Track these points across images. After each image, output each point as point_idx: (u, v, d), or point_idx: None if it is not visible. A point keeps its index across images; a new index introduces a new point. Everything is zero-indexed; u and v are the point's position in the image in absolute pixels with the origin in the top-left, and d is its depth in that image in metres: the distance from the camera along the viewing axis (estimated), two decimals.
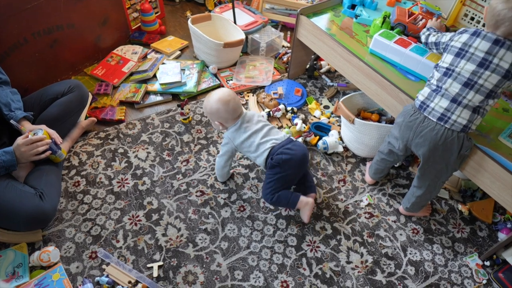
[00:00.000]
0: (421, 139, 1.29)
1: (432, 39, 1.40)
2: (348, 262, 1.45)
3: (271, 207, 1.58)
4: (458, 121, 1.21)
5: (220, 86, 2.13)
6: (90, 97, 1.92)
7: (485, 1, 1.71)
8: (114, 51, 2.21)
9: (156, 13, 2.50)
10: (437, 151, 1.28)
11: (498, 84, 1.16)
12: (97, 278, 1.31)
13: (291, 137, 1.52)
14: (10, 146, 1.36)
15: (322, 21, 1.84)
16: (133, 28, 2.40)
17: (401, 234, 1.55)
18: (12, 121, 1.40)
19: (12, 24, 1.64)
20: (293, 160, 1.42)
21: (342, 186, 1.69)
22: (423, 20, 1.68)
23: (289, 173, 1.45)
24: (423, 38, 1.47)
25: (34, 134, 1.39)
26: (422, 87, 1.49)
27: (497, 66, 1.14)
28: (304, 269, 1.41)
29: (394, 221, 1.58)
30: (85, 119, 1.82)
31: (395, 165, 1.78)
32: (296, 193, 1.48)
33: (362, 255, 1.47)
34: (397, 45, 1.55)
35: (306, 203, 1.46)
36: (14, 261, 1.32)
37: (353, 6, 1.89)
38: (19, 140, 1.36)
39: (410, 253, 1.49)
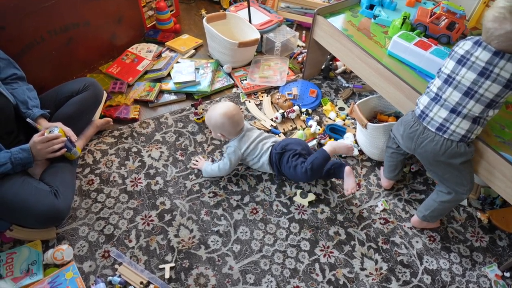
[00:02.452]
0: (423, 150, 1.30)
1: None
2: (362, 269, 1.42)
3: (284, 210, 1.56)
4: (456, 131, 1.21)
5: (234, 86, 2.11)
6: (105, 95, 1.92)
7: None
8: (129, 49, 2.22)
9: (171, 11, 2.49)
10: (439, 162, 1.28)
11: (500, 94, 1.14)
12: (109, 278, 1.31)
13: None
14: (27, 144, 1.37)
15: (339, 21, 1.81)
16: (148, 26, 2.40)
17: (417, 242, 1.51)
18: (29, 120, 1.41)
19: (29, 22, 1.65)
20: (291, 143, 1.58)
21: (357, 190, 1.66)
22: (446, 20, 1.63)
23: (296, 148, 1.55)
24: None
25: (50, 132, 1.40)
26: None
27: (498, 76, 1.12)
28: (317, 275, 1.39)
29: (410, 228, 1.55)
30: (100, 117, 1.82)
31: (412, 170, 1.74)
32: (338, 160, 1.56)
33: (376, 262, 1.44)
34: (417, 47, 1.51)
35: (350, 171, 1.50)
36: (28, 258, 1.33)
37: (371, 6, 1.85)
38: (35, 138, 1.37)
39: (426, 261, 1.45)
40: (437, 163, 1.30)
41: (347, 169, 1.50)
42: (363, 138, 1.74)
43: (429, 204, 1.45)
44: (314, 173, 1.50)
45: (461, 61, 1.18)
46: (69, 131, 1.48)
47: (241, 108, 1.97)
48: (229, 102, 1.57)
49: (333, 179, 1.69)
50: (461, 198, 1.38)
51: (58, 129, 1.42)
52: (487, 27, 1.12)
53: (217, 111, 1.52)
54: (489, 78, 1.13)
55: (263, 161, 1.58)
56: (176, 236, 1.45)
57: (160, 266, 1.36)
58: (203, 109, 1.86)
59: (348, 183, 1.49)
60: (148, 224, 1.48)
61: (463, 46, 1.19)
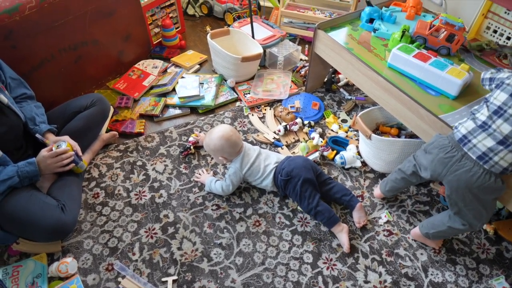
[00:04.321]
0: (455, 178, 1.21)
1: (487, 75, 1.30)
2: (366, 282, 1.40)
3: (287, 222, 1.57)
4: (499, 163, 1.13)
5: (237, 99, 2.14)
6: (112, 110, 1.97)
7: (508, 13, 1.66)
8: (136, 65, 2.28)
9: (176, 28, 2.56)
10: (470, 193, 1.20)
11: None
12: None
13: (288, 155, 1.68)
14: (33, 158, 1.40)
15: (340, 35, 1.84)
16: (154, 43, 2.47)
17: (422, 254, 1.49)
18: (37, 135, 1.46)
19: (41, 41, 1.71)
20: (297, 167, 1.55)
21: (360, 202, 1.65)
22: (445, 32, 1.65)
23: (302, 175, 1.52)
24: (482, 75, 1.34)
25: (57, 146, 1.44)
26: (442, 102, 1.47)
27: None
28: None
29: (415, 240, 1.53)
30: (106, 131, 1.87)
31: None
32: (335, 216, 1.52)
33: (380, 274, 1.43)
34: (416, 59, 1.53)
35: (342, 227, 1.50)
36: (33, 271, 1.35)
37: (371, 20, 1.88)
38: (44, 153, 1.41)
39: (431, 274, 1.43)
40: (465, 194, 1.21)
41: (358, 205, 1.56)
42: (367, 149, 1.75)
43: (436, 224, 1.40)
44: (315, 218, 1.56)
45: None
46: (75, 145, 1.52)
47: (244, 121, 2.00)
48: (224, 125, 1.60)
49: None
50: (472, 230, 1.34)
51: (66, 143, 1.46)
52: None
53: (214, 135, 1.54)
54: None
55: (266, 184, 1.61)
56: (179, 249, 1.46)
57: (163, 279, 1.37)
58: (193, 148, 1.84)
59: (359, 216, 1.57)
60: (152, 237, 1.49)
61: None
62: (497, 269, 1.46)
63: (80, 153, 1.53)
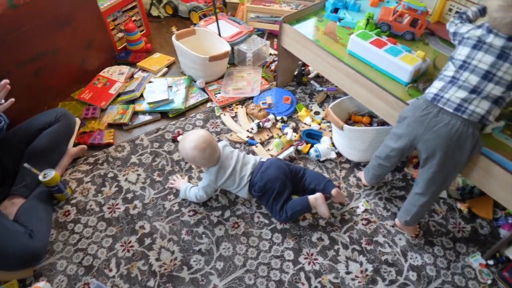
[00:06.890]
0: (433, 135, 1.20)
1: (451, 29, 1.34)
2: (348, 273, 1.41)
3: (266, 221, 1.55)
4: (476, 111, 1.15)
5: (208, 100, 2.11)
6: (78, 122, 1.91)
7: None
8: (101, 73, 2.20)
9: (141, 31, 2.49)
10: (448, 149, 1.19)
11: None
12: None
13: (261, 160, 1.58)
14: None
15: (305, 27, 1.82)
16: (118, 48, 2.40)
17: (400, 239, 1.51)
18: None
19: None
20: (271, 180, 1.49)
21: (336, 187, 1.65)
22: (408, 17, 1.65)
23: (276, 187, 1.49)
24: (447, 26, 1.39)
25: (44, 175, 1.48)
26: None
27: None
28: (303, 284, 1.38)
29: (392, 226, 1.54)
30: (73, 145, 1.80)
31: None
32: (302, 197, 1.50)
33: (361, 264, 1.44)
34: (372, 45, 1.53)
35: (315, 199, 1.47)
36: None
37: (336, 10, 1.87)
38: None
39: (410, 258, 1.45)
40: (443, 151, 1.20)
41: (334, 191, 1.53)
42: (340, 140, 1.75)
43: (408, 209, 1.42)
44: (292, 219, 1.54)
45: (476, 45, 1.19)
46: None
47: (216, 122, 1.97)
48: (200, 132, 1.46)
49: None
50: (436, 197, 1.38)
51: (54, 172, 1.49)
52: (493, 17, 1.16)
53: (188, 144, 1.44)
54: (507, 60, 1.13)
55: (242, 195, 1.58)
56: (158, 259, 1.43)
57: None
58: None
59: (339, 200, 1.56)
60: (128, 251, 1.45)
61: (474, 33, 1.21)
62: (473, 246, 1.49)
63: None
